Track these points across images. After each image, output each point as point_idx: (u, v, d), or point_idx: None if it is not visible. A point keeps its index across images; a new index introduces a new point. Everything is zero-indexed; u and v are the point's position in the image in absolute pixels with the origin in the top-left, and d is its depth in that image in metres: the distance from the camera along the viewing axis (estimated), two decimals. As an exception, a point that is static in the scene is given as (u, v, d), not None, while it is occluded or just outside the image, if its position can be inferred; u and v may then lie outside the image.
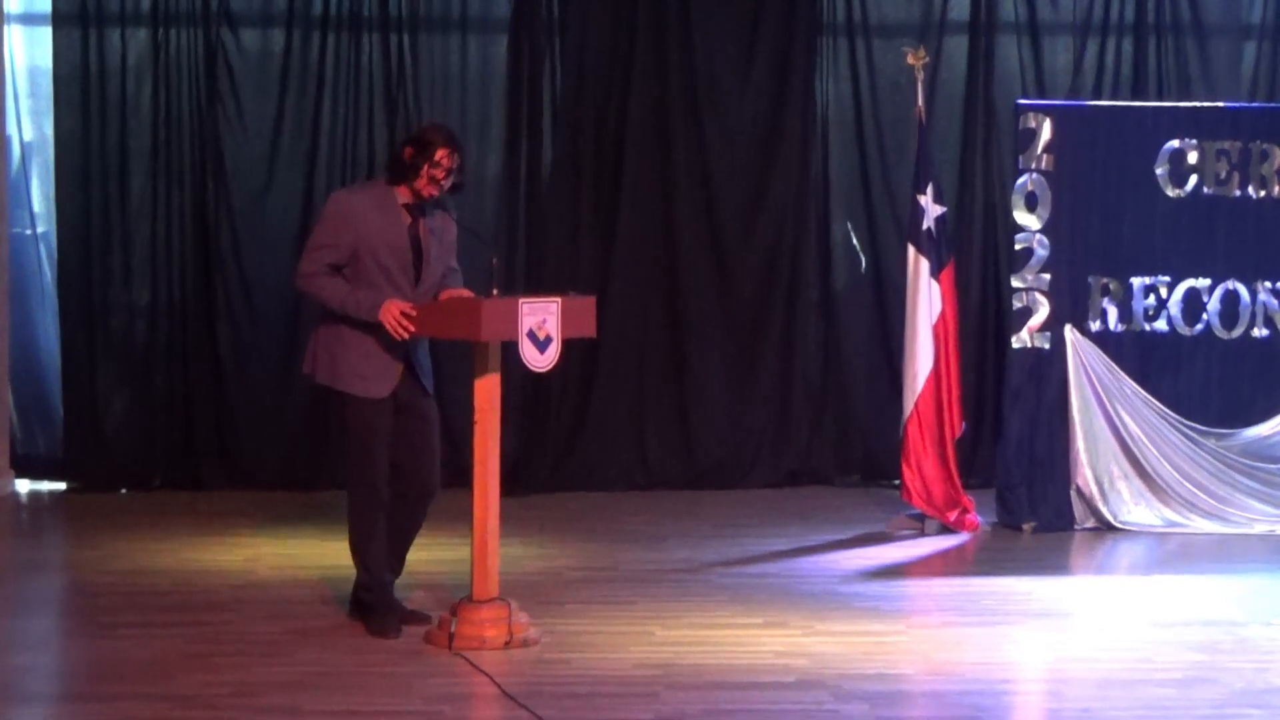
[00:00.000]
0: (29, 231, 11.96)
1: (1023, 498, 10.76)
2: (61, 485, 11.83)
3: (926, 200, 10.68)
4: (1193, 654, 7.96)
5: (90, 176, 11.74)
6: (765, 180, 12.06)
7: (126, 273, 11.81)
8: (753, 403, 12.08)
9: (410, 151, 7.99)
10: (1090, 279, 10.74)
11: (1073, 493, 10.74)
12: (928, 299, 10.63)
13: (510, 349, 7.87)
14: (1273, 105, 11.75)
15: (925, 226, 10.67)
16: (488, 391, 7.90)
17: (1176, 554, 10.26)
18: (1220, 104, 11.25)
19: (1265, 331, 10.82)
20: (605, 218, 11.99)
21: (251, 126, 11.85)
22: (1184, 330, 10.80)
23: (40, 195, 11.99)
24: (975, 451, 11.75)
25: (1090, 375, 10.70)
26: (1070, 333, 10.70)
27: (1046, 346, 10.71)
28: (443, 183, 7.98)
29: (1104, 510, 10.71)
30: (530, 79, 11.90)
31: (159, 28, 11.73)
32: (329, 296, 7.94)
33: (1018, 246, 10.77)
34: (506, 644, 7.89)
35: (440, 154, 7.94)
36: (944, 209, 10.82)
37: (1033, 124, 10.71)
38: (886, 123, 12.09)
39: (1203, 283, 10.80)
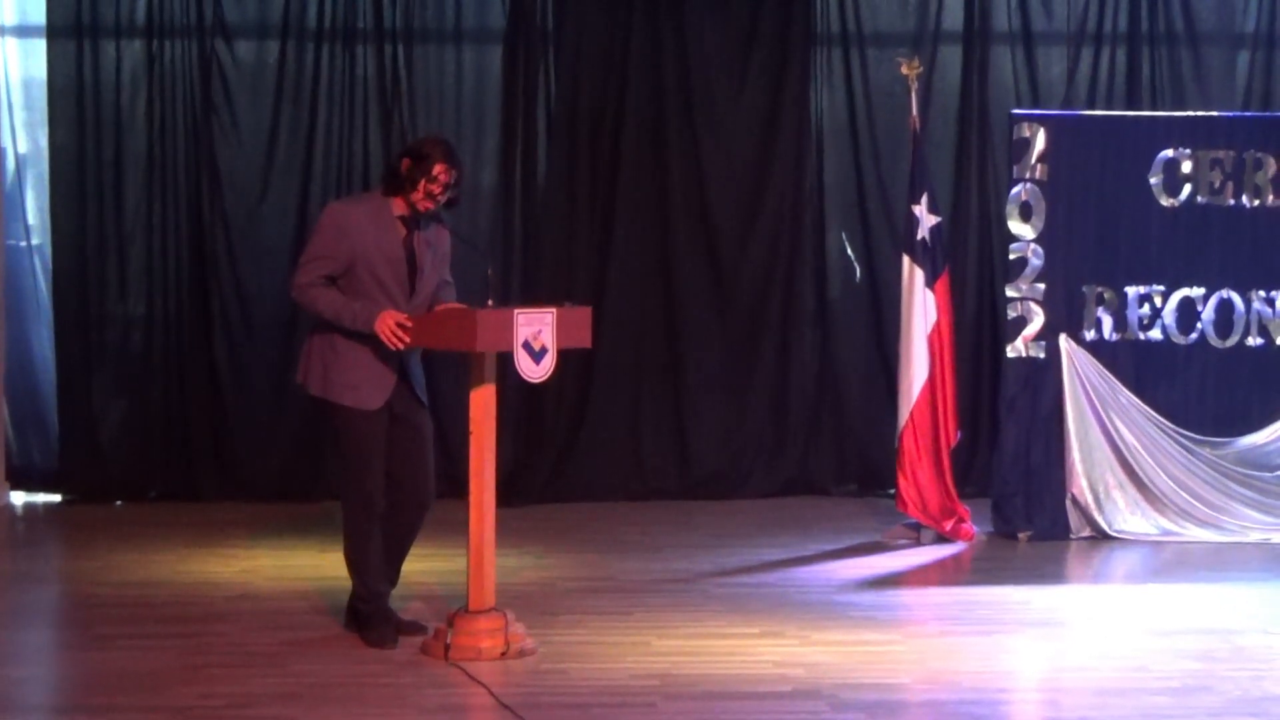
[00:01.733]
0: (24, 243, 11.96)
1: (1018, 507, 10.77)
2: (57, 497, 11.83)
3: (921, 210, 10.68)
4: (1189, 662, 7.96)
5: (85, 188, 11.74)
6: (760, 190, 12.07)
7: (122, 284, 11.82)
8: (748, 413, 12.08)
9: (407, 164, 7.96)
10: (1085, 288, 10.75)
11: (1068, 502, 10.74)
12: (923, 308, 10.63)
13: (506, 360, 7.87)
14: (1266, 114, 11.76)
15: (920, 236, 10.67)
16: (483, 402, 7.90)
17: (1172, 562, 10.26)
18: (1214, 113, 11.26)
19: (1259, 340, 10.84)
20: (601, 228, 11.99)
21: (246, 137, 11.86)
22: (1178, 339, 10.81)
23: (35, 207, 12.00)
24: (971, 461, 11.77)
25: (1085, 384, 10.71)
26: (1065, 342, 10.71)
27: (1041, 356, 10.72)
28: (439, 198, 7.96)
29: (1099, 519, 10.72)
30: (525, 90, 11.90)
31: (153, 39, 11.75)
32: (324, 308, 7.93)
33: (1012, 256, 10.78)
34: (503, 654, 7.88)
35: (438, 169, 7.92)
36: (939, 219, 10.82)
37: (1027, 134, 10.72)
38: (881, 133, 12.10)
39: (1197, 291, 10.81)
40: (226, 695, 7.36)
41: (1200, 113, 11.29)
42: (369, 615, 8.18)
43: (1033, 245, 10.71)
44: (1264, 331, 10.83)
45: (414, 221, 8.02)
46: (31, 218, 11.99)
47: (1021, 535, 10.70)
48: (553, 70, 11.98)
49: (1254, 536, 10.68)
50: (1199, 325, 10.81)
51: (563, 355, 7.97)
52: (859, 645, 8.25)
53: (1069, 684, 7.72)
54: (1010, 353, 10.77)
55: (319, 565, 9.71)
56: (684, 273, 12.03)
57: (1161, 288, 10.79)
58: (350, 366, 7.96)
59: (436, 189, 7.93)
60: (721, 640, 8.32)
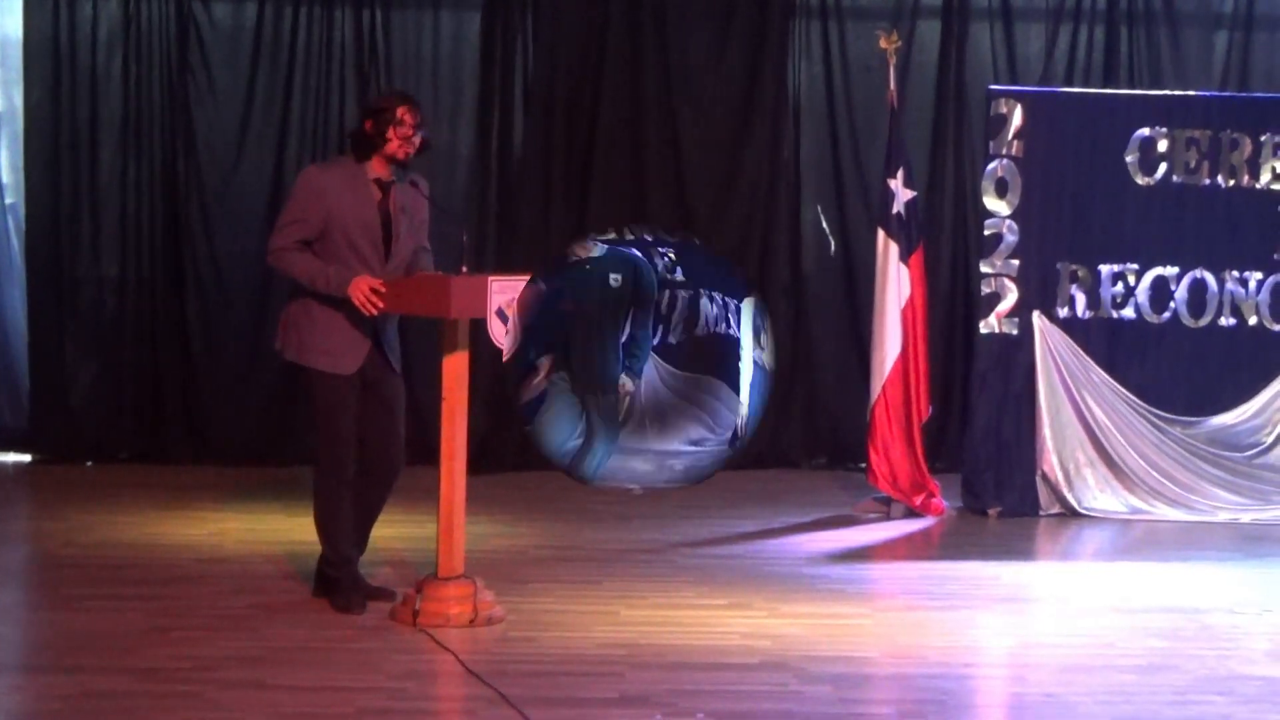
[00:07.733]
0: (-3, 203, 11.94)
1: (988, 483, 10.80)
2: (27, 457, 11.81)
3: (897, 184, 10.69)
4: (1155, 640, 7.99)
5: (59, 148, 11.70)
6: (736, 162, 12.06)
7: (95, 245, 11.78)
8: (721, 384, 12.08)
9: (370, 124, 7.96)
10: (1059, 265, 10.76)
11: (1038, 478, 10.77)
12: (896, 283, 10.63)
13: (479, 327, 7.86)
14: (1243, 95, 11.77)
15: (895, 211, 10.67)
16: (456, 369, 7.89)
17: (1141, 541, 10.29)
18: (1191, 93, 11.28)
19: (1232, 320, 10.86)
20: (576, 197, 11.97)
21: (222, 100, 11.82)
22: (1151, 318, 10.83)
23: (9, 166, 11.96)
24: (942, 436, 11.79)
25: (1057, 362, 10.72)
26: (1038, 319, 10.72)
27: (1014, 332, 10.74)
28: (413, 139, 7.95)
29: (1069, 496, 10.75)
30: (503, 57, 11.87)
31: (130, -1, 11.71)
32: (299, 272, 7.91)
33: (987, 232, 10.79)
34: (471, 622, 7.88)
35: (400, 111, 7.92)
36: (914, 193, 10.82)
37: (1004, 110, 10.73)
38: (858, 106, 12.10)
39: (1171, 271, 10.83)
40: (194, 657, 7.34)
41: (1177, 92, 11.31)
42: (337, 580, 8.18)
43: (1008, 221, 10.73)
44: (1236, 312, 10.85)
45: (389, 185, 8.00)
46: (5, 177, 11.94)
47: (991, 511, 10.73)
48: (530, 37, 11.94)
49: (1223, 516, 10.72)
50: (1172, 304, 10.83)
51: (536, 323, 7.96)
52: (827, 618, 8.27)
53: (1036, 660, 7.74)
54: (983, 329, 10.78)
55: (288, 529, 9.71)
56: (659, 243, 12.00)
57: (1135, 266, 10.81)
58: (325, 331, 7.94)
59: (408, 131, 7.92)
60: (690, 611, 8.33)
